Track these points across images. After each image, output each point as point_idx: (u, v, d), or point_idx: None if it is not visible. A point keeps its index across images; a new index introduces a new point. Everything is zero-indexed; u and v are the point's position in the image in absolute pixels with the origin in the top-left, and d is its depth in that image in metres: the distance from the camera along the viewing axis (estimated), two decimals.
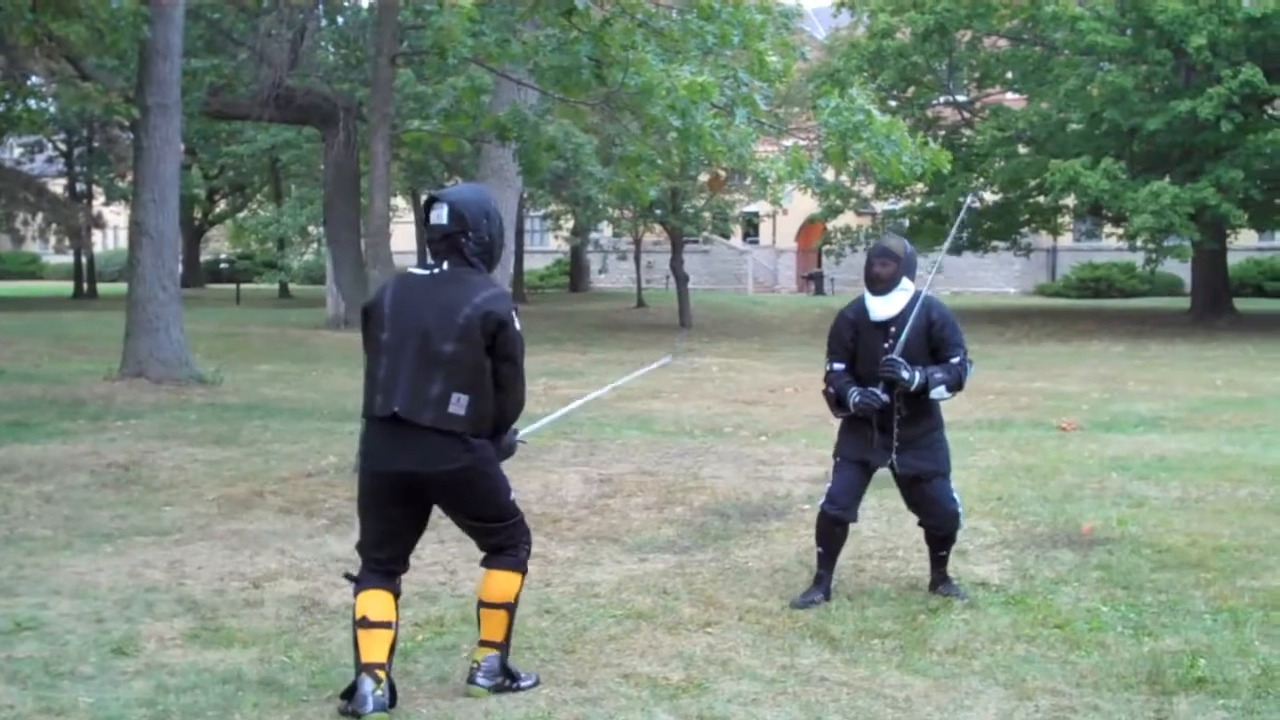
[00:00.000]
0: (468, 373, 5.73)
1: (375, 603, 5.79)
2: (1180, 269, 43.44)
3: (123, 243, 32.35)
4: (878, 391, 7.37)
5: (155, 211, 19.33)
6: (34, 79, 28.54)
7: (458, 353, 5.72)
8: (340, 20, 31.62)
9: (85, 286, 51.89)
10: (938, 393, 7.41)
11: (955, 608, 7.39)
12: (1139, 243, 36.42)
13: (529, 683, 6.08)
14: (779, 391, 21.14)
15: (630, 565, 8.57)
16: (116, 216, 53.79)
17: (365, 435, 5.97)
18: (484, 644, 6.05)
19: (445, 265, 5.90)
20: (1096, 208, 37.33)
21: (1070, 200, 37.90)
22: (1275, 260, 50.51)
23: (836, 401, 7.63)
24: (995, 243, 42.76)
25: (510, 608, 6.05)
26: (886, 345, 7.40)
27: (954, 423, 15.54)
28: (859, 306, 7.64)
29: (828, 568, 7.66)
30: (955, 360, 7.44)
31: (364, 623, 5.73)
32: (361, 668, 5.65)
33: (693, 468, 12.33)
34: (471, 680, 6.01)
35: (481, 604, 6.08)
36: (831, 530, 7.63)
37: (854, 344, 7.59)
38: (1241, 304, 41.19)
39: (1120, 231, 38.10)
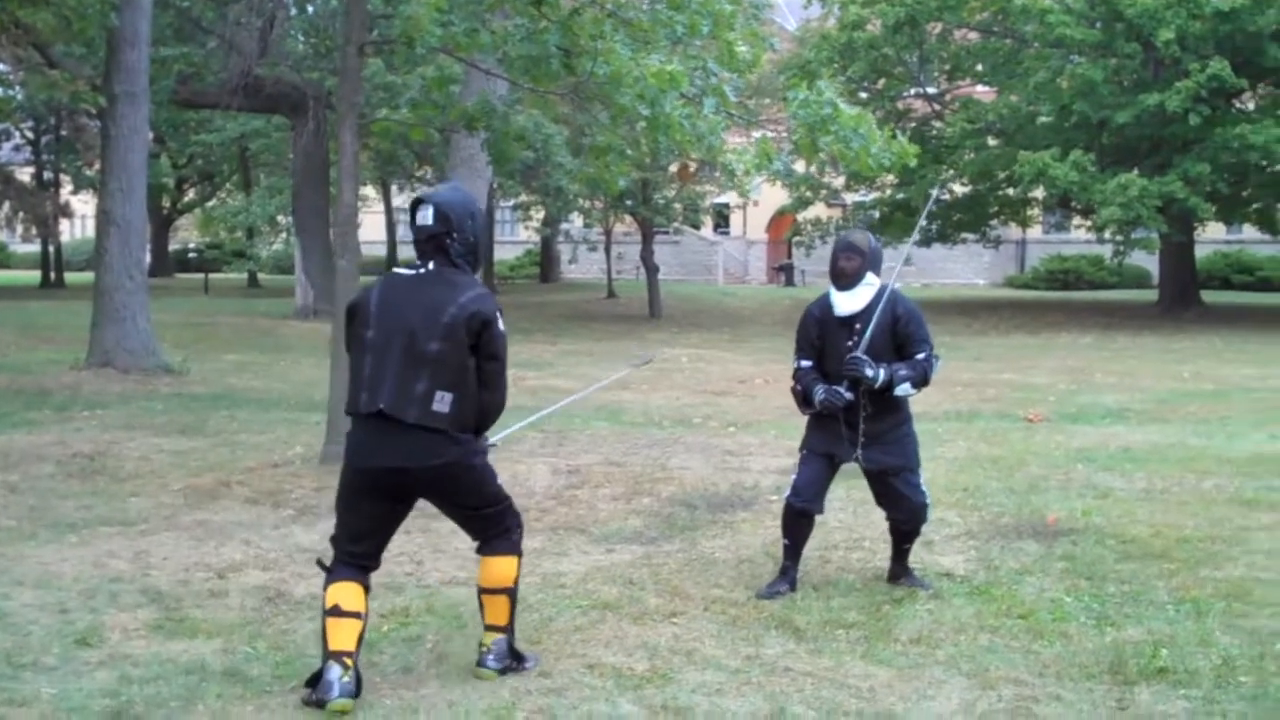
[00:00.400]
0: (452, 371, 5.78)
1: (346, 593, 5.81)
2: (1148, 261, 43.70)
3: (90, 232, 32.25)
4: (841, 390, 7.37)
5: (122, 200, 19.24)
6: (1, 66, 28.42)
7: (442, 351, 5.76)
8: (310, 9, 31.57)
9: (53, 275, 51.59)
10: (903, 389, 7.41)
11: (920, 598, 7.42)
12: (1107, 235, 36.60)
13: (533, 664, 6.16)
14: (748, 383, 21.18)
15: (597, 556, 8.57)
16: (84, 205, 53.51)
17: (350, 432, 5.99)
18: (490, 628, 6.11)
19: (431, 265, 5.96)
20: (1065, 200, 37.51)
21: (1039, 192, 38.05)
22: (1242, 253, 50.86)
23: (804, 399, 7.63)
24: (964, 235, 42.95)
25: (511, 591, 6.11)
26: (851, 342, 7.40)
27: (922, 414, 15.57)
28: (824, 302, 7.64)
29: (793, 559, 7.67)
30: (921, 356, 7.44)
31: (335, 611, 5.74)
32: (329, 655, 5.65)
33: (661, 459, 12.34)
34: (481, 664, 6.06)
35: (483, 590, 6.13)
36: (796, 522, 7.64)
37: (820, 340, 7.59)
38: (1209, 296, 41.42)
39: (1089, 224, 38.30)
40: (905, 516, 7.67)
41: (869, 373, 7.28)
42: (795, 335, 7.81)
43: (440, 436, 5.77)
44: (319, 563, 6.08)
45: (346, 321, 6.10)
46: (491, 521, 6.08)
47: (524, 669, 6.10)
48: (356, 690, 5.63)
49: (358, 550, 5.94)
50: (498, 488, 6.10)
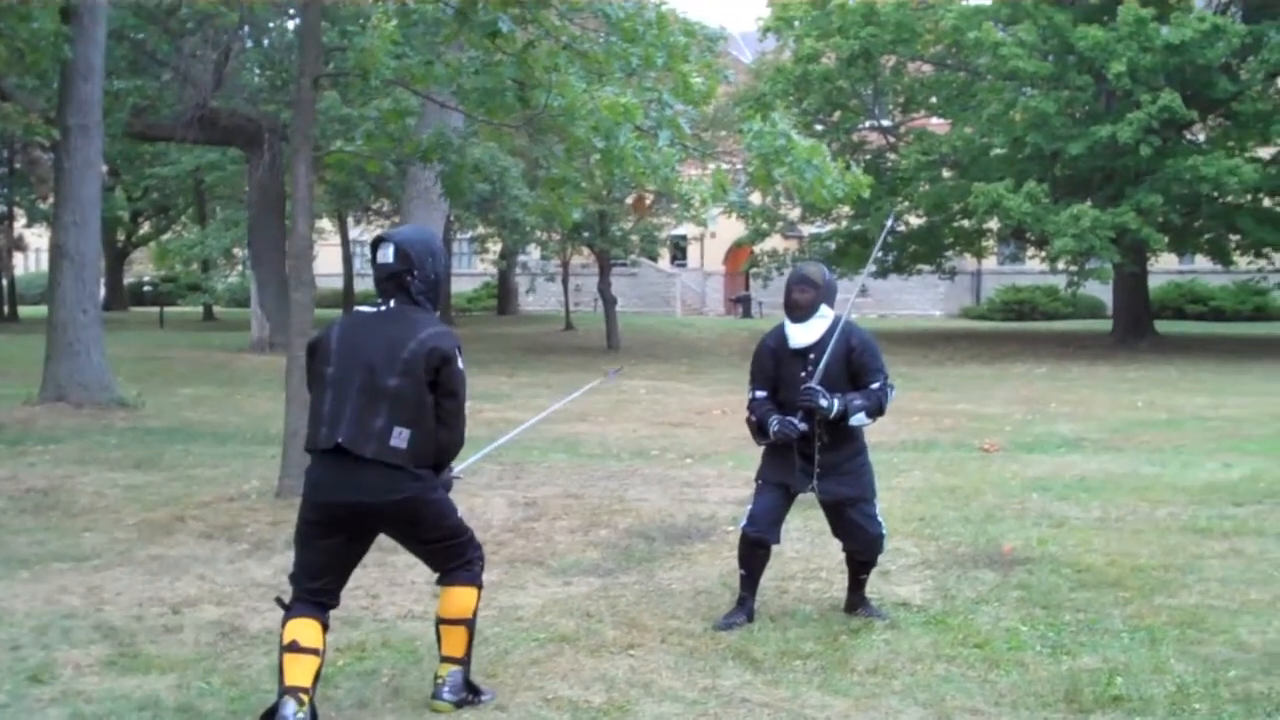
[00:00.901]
0: (410, 408, 5.79)
1: (305, 630, 5.78)
2: (1102, 292, 43.97)
3: (44, 265, 32.01)
4: (795, 421, 7.38)
5: (76, 233, 19.13)
6: None
7: (401, 387, 5.78)
8: (265, 41, 31.48)
9: (6, 309, 51.18)
10: (858, 419, 7.43)
11: (876, 628, 7.43)
12: (1061, 265, 36.85)
13: (489, 698, 6.14)
14: (706, 414, 21.19)
15: (554, 588, 8.55)
16: (38, 239, 53.03)
17: (309, 468, 5.98)
18: (446, 660, 6.11)
19: (392, 303, 6.00)
20: (1019, 231, 37.74)
21: (993, 223, 38.27)
22: (1195, 283, 51.29)
23: (759, 429, 7.65)
24: (920, 266, 43.14)
25: (469, 623, 6.11)
26: (805, 373, 7.42)
27: (879, 444, 15.61)
28: (779, 334, 7.66)
29: (750, 590, 7.67)
30: (875, 386, 7.47)
31: (292, 647, 5.70)
32: (284, 690, 5.62)
33: (618, 490, 12.33)
34: (436, 696, 6.04)
35: (440, 621, 6.12)
36: (753, 552, 7.64)
37: (775, 371, 7.62)
38: (1162, 326, 41.72)
39: (1043, 254, 38.53)
40: (861, 547, 7.68)
41: (824, 403, 7.29)
42: (750, 366, 7.83)
43: (399, 472, 5.77)
44: (278, 600, 6.04)
45: (308, 359, 6.11)
46: (452, 553, 6.09)
47: (480, 702, 6.08)
48: None
49: (316, 587, 5.91)
50: (458, 520, 6.12)
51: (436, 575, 6.20)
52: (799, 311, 7.52)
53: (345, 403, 5.80)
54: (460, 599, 6.09)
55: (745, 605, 7.62)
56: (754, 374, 7.76)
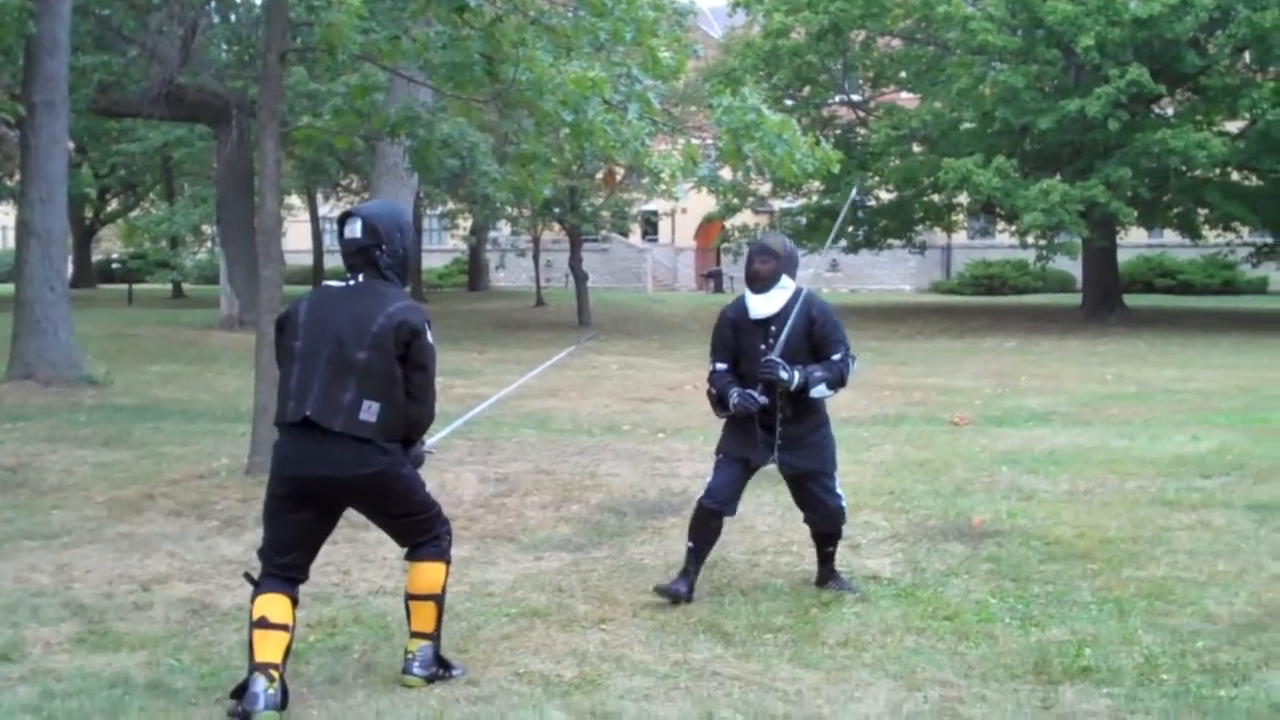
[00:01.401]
0: (379, 381, 5.80)
1: (274, 605, 5.77)
2: (1072, 266, 44.13)
3: (11, 243, 31.82)
4: (754, 394, 7.36)
5: (42, 211, 19.01)
6: None
7: (370, 360, 5.79)
8: (233, 17, 31.30)
9: None
10: (819, 391, 7.40)
11: (847, 601, 7.45)
12: (1030, 240, 36.96)
13: (460, 672, 6.16)
14: (677, 389, 21.19)
15: (526, 564, 8.55)
16: (4, 216, 52.90)
17: (277, 442, 5.99)
18: (416, 635, 6.13)
19: (360, 278, 5.99)
20: (989, 206, 37.83)
21: (963, 198, 38.35)
22: (1164, 257, 51.50)
23: (718, 402, 7.62)
24: (890, 240, 43.21)
25: (438, 598, 6.15)
26: (766, 345, 7.39)
27: (849, 419, 15.70)
28: (739, 305, 7.63)
29: (695, 564, 7.59)
30: (836, 357, 7.43)
31: (262, 623, 5.70)
32: (254, 666, 5.61)
33: (590, 466, 12.33)
34: (407, 671, 6.06)
35: (410, 596, 6.16)
36: (707, 524, 7.58)
37: (736, 343, 7.57)
38: (1131, 300, 41.90)
39: (1012, 229, 38.64)
40: (822, 519, 7.69)
41: (784, 375, 7.27)
42: (711, 338, 7.80)
43: (368, 446, 5.78)
44: (246, 576, 6.04)
45: (276, 333, 6.11)
46: (420, 528, 6.12)
47: (450, 676, 6.10)
48: (283, 703, 5.58)
49: (285, 562, 5.90)
50: (425, 495, 6.14)
51: (405, 551, 6.22)
52: (760, 282, 7.48)
53: (313, 377, 5.80)
54: (428, 574, 6.13)
55: (688, 578, 7.54)
56: (715, 346, 7.72)
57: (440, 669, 6.12)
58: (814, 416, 7.58)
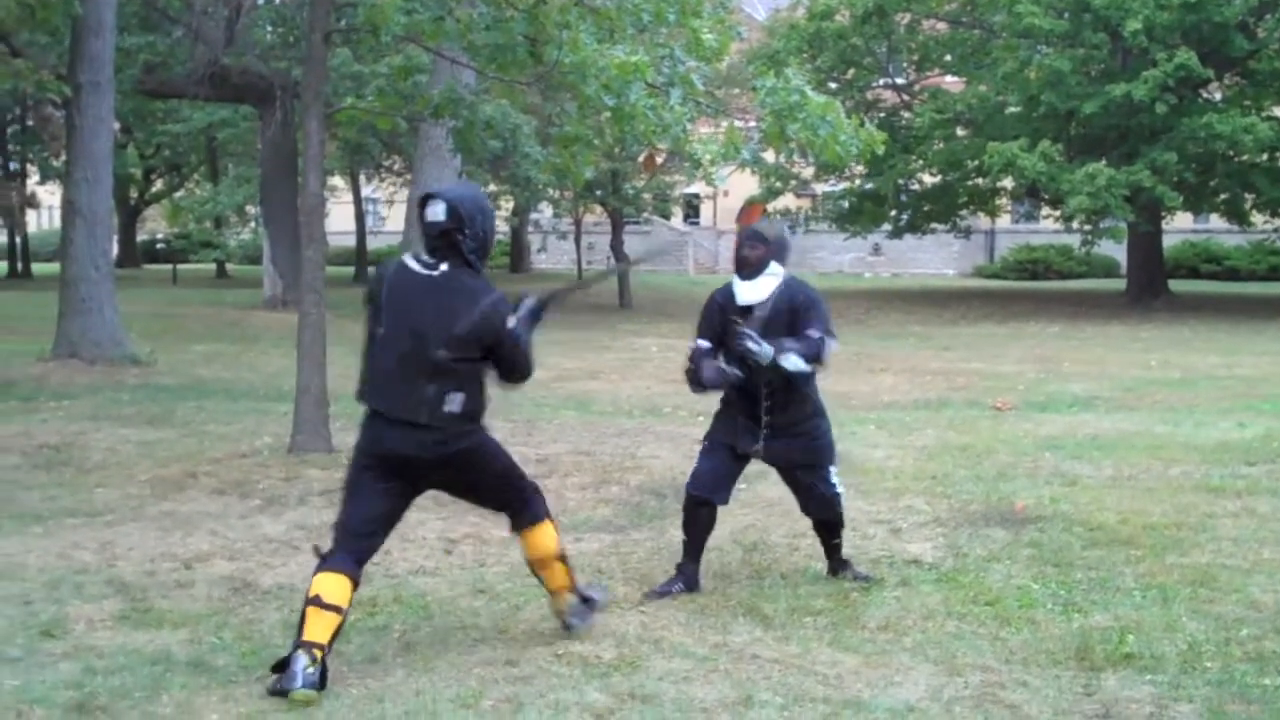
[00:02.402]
0: (461, 377, 5.95)
1: (332, 585, 5.80)
2: (1117, 251, 43.83)
3: (57, 222, 32.03)
4: (724, 366, 7.25)
5: (88, 190, 19.11)
6: None
7: (454, 358, 5.89)
8: None
9: (19, 266, 51.28)
10: (789, 362, 7.10)
11: (887, 585, 7.42)
12: (1075, 224, 36.74)
13: (600, 596, 6.66)
14: None
15: (566, 545, 8.54)
16: (51, 196, 53.06)
17: (365, 422, 6.07)
18: (556, 593, 6.46)
19: (445, 266, 5.97)
20: (1033, 190, 37.59)
21: (1008, 182, 38.12)
22: (1210, 243, 51.08)
23: (694, 378, 7.52)
24: (934, 225, 43.00)
25: (561, 556, 6.44)
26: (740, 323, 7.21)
27: (892, 404, 15.68)
28: (728, 290, 7.48)
29: (693, 557, 7.44)
30: (813, 334, 7.21)
31: (315, 601, 5.73)
32: (299, 643, 5.63)
33: (630, 448, 12.31)
34: (567, 626, 6.48)
35: (533, 565, 6.46)
36: (695, 513, 7.44)
37: (721, 327, 7.39)
38: (1176, 286, 41.60)
39: (1057, 213, 38.42)
40: (814, 508, 7.55)
41: (752, 346, 7.05)
42: (698, 320, 7.64)
43: (453, 430, 5.96)
44: (315, 549, 6.05)
45: (365, 302, 6.12)
46: (509, 491, 6.33)
47: (597, 602, 6.59)
48: (321, 683, 5.60)
49: (361, 533, 5.98)
50: (509, 460, 6.36)
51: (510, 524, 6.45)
52: (747, 268, 7.36)
53: (396, 369, 5.91)
54: (540, 538, 6.37)
55: (684, 572, 7.41)
56: (699, 326, 7.57)
57: (592, 613, 6.53)
58: (803, 406, 7.39)
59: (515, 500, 6.32)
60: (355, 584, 5.91)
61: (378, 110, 13.42)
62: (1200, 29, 32.90)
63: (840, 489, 7.61)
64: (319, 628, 5.68)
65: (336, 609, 5.75)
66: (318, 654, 5.61)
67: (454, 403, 5.86)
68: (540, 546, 6.35)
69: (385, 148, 39.13)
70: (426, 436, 5.89)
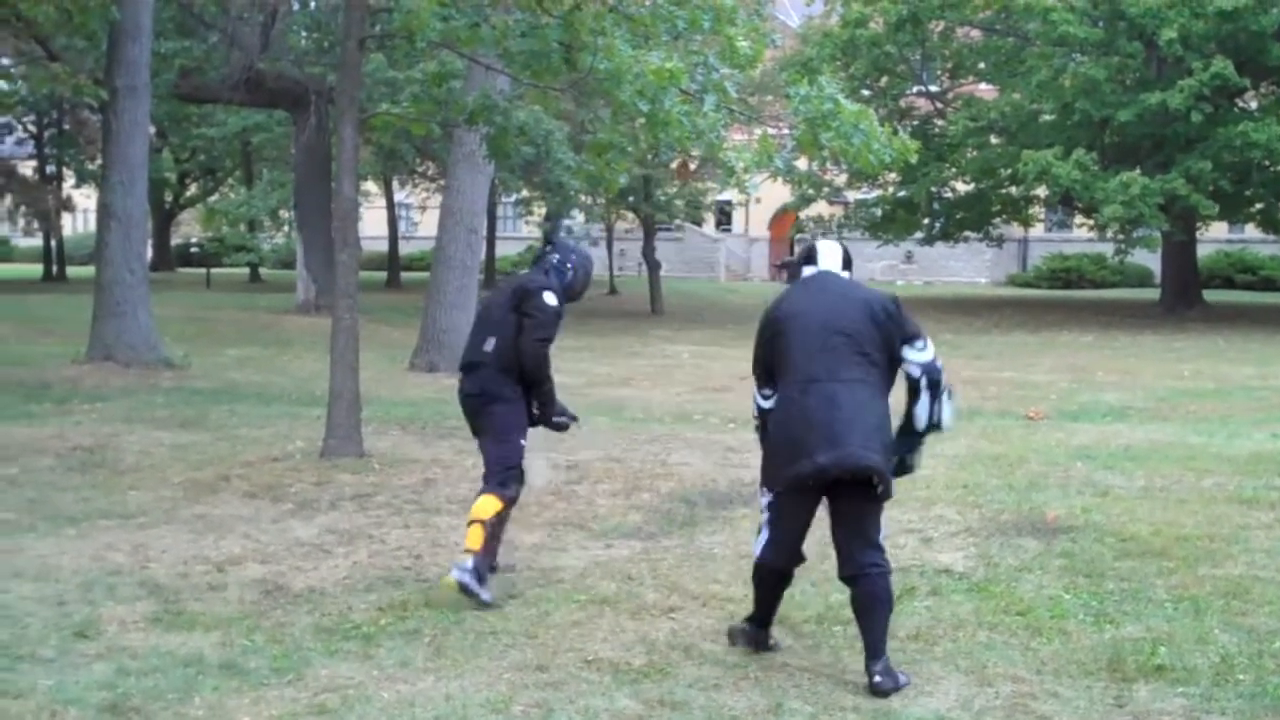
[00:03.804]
0: (497, 324, 7.64)
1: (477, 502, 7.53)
2: (1150, 260, 43.68)
3: (93, 225, 32.20)
4: None
5: (123, 194, 19.22)
6: (3, 60, 28.38)
7: (499, 314, 7.69)
8: (312, 4, 31.55)
9: (54, 269, 51.50)
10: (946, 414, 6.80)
11: (918, 594, 7.40)
12: (1109, 233, 36.60)
13: (487, 597, 7.22)
14: (749, 379, 21.11)
15: (596, 551, 8.57)
16: (86, 199, 53.40)
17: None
18: (466, 551, 7.31)
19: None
20: (1067, 198, 37.44)
21: (1041, 191, 37.98)
22: (1244, 253, 50.80)
23: None
24: (967, 233, 42.91)
25: (484, 523, 7.33)
26: None
27: None
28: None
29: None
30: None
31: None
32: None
33: (661, 454, 12.33)
34: (450, 573, 7.37)
35: (469, 522, 7.44)
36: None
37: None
38: (1211, 296, 41.38)
39: (1091, 222, 38.29)
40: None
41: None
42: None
43: (485, 369, 7.56)
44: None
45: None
46: (495, 466, 7.50)
47: (479, 594, 7.12)
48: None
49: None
50: (511, 446, 7.53)
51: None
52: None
53: (476, 335, 7.78)
54: (482, 503, 7.39)
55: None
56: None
57: (476, 583, 7.11)
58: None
59: (497, 475, 7.48)
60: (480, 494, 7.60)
61: (412, 116, 13.46)
62: (1236, 38, 32.73)
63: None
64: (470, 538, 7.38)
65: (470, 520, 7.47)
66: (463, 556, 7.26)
67: (490, 344, 7.62)
68: (477, 509, 7.38)
69: (419, 153, 39.23)
70: (475, 376, 7.68)
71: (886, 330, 6.17)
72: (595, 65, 10.78)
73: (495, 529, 7.36)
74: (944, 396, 6.25)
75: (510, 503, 7.47)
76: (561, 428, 7.98)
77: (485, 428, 7.57)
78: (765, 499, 6.36)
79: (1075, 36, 33.45)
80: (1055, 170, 33.00)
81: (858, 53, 39.01)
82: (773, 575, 6.41)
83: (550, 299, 7.57)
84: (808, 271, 6.63)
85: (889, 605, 6.07)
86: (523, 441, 7.58)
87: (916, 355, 6.18)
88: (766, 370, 6.52)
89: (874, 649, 5.90)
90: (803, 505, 6.22)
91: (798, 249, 7.63)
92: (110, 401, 15.59)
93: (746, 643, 6.45)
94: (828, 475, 5.96)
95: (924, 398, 6.20)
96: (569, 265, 7.92)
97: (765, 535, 6.34)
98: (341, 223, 12.17)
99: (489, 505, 7.34)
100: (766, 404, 6.50)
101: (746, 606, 7.13)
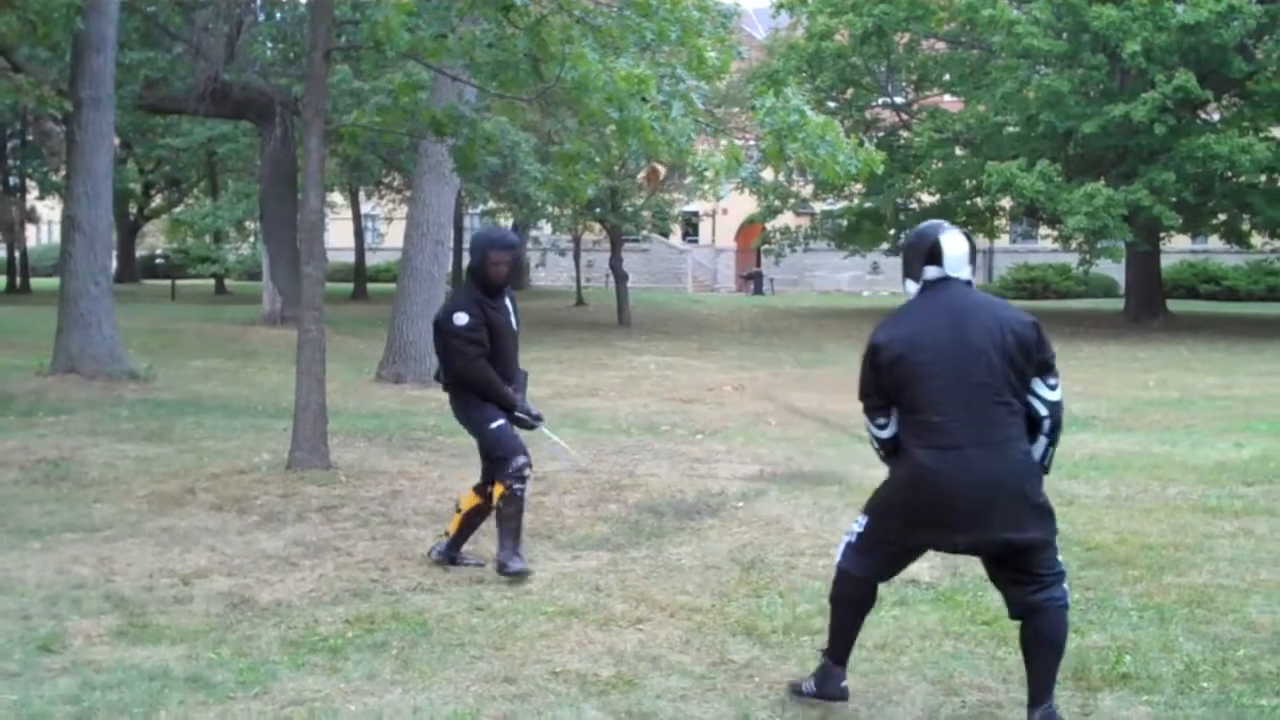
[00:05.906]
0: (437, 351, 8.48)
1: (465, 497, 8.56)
2: (1115, 271, 43.89)
3: (57, 237, 31.97)
4: None
5: (88, 205, 19.10)
6: None
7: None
8: (278, 15, 31.46)
9: (18, 281, 51.22)
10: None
11: (885, 604, 7.40)
12: (1073, 244, 36.80)
13: (473, 561, 8.52)
14: (716, 390, 21.18)
15: (563, 562, 8.56)
16: (50, 211, 53.07)
17: None
18: (446, 533, 8.51)
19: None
20: (1032, 209, 37.65)
21: (1006, 202, 38.19)
22: (1208, 263, 51.18)
23: None
24: None
25: (461, 512, 8.40)
26: None
27: None
28: None
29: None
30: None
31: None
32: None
33: (628, 465, 12.32)
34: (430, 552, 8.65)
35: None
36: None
37: None
38: (1175, 306, 41.65)
39: (1055, 233, 38.48)
40: None
41: None
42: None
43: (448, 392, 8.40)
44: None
45: None
46: (492, 465, 8.15)
47: (462, 559, 8.35)
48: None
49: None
50: (489, 441, 8.14)
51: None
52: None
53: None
54: (467, 496, 8.38)
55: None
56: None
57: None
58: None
59: (496, 473, 8.14)
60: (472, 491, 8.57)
61: (379, 125, 13.44)
62: (1199, 51, 32.95)
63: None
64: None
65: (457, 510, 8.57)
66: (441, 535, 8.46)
67: (436, 367, 8.63)
68: (465, 499, 8.38)
69: (385, 164, 39.17)
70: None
71: (1019, 365, 5.46)
72: (563, 75, 10.78)
73: (508, 515, 8.08)
74: (1058, 440, 5.64)
75: (510, 482, 8.04)
76: (525, 425, 8.40)
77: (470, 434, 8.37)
78: (868, 524, 5.73)
79: (1039, 49, 33.66)
80: (1020, 182, 33.17)
81: (823, 65, 39.14)
82: (862, 586, 5.77)
83: (459, 319, 8.04)
84: (930, 273, 5.78)
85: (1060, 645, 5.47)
86: (493, 424, 8.10)
87: (1048, 394, 5.50)
88: (884, 398, 5.60)
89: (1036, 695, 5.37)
90: (919, 555, 5.81)
91: (912, 234, 6.04)
92: (75, 414, 15.49)
93: (815, 689, 5.77)
94: (965, 552, 5.60)
95: (1042, 441, 5.55)
96: (476, 253, 8.33)
97: (858, 549, 5.74)
98: (307, 235, 12.13)
99: (469, 498, 8.36)
100: (884, 434, 5.66)
101: (714, 616, 7.15)
